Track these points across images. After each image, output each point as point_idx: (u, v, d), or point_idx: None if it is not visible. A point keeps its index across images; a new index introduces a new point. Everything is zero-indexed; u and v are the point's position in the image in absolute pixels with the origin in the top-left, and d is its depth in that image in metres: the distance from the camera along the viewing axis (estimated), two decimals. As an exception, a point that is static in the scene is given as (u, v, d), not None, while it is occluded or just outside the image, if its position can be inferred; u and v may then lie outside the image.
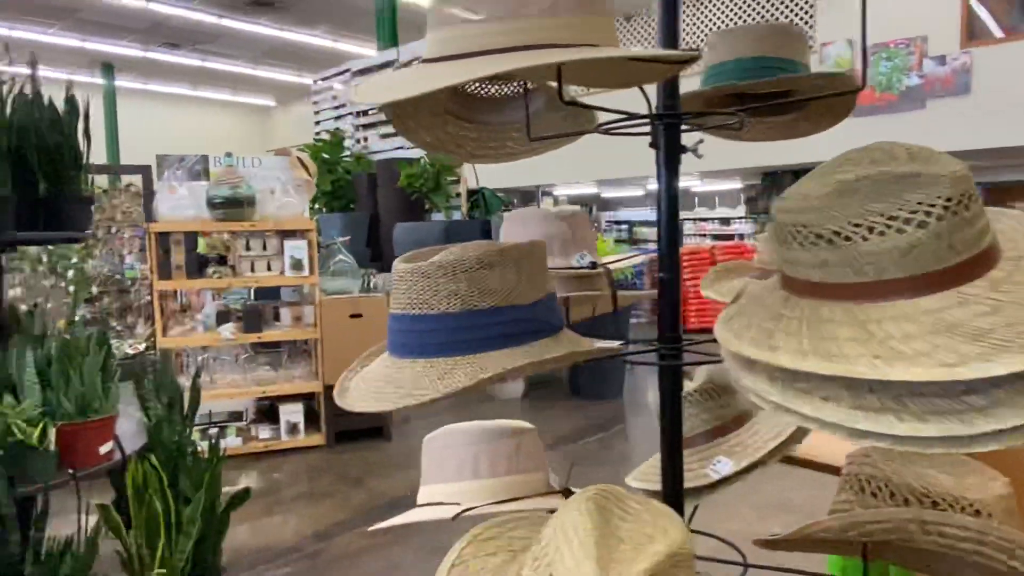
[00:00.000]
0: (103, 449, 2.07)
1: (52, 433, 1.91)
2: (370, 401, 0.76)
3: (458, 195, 7.47)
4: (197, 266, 4.10)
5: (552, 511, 0.99)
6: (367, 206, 7.89)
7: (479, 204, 7.80)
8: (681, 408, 0.91)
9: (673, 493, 0.89)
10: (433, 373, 0.73)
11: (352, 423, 4.36)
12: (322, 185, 7.66)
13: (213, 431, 3.96)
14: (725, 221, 13.77)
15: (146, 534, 2.08)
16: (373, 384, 0.78)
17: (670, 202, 0.91)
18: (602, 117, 1.02)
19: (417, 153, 7.80)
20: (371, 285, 4.60)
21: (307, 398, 4.42)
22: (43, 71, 2.01)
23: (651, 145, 0.91)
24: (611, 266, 1.10)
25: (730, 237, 12.58)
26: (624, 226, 13.06)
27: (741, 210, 13.43)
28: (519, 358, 0.73)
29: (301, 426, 4.30)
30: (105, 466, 2.06)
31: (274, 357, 4.52)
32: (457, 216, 7.51)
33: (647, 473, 1.16)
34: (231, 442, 4.11)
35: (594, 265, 1.08)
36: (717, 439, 1.06)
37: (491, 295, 0.75)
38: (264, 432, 4.28)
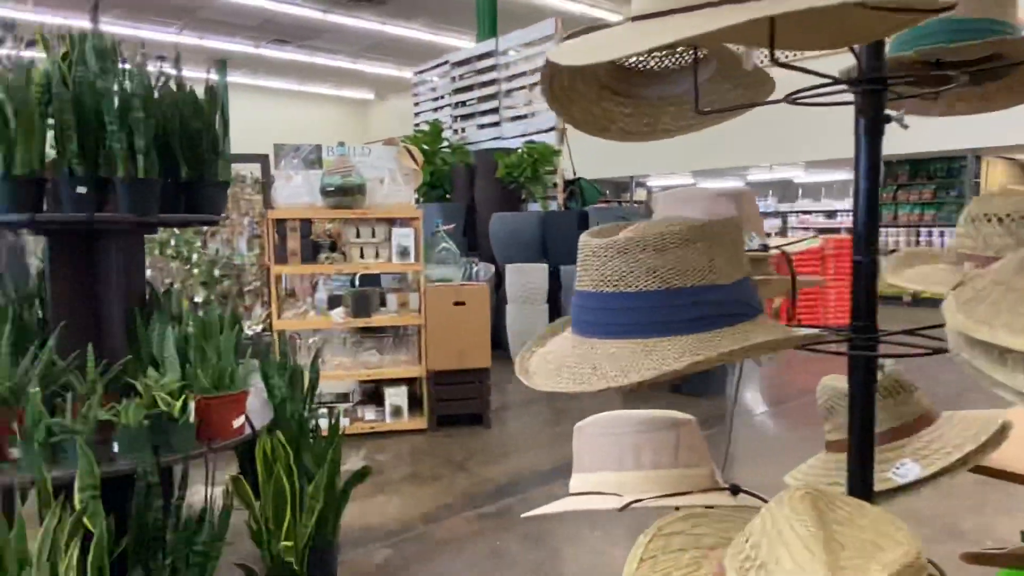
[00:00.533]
0: (236, 423, 2.16)
1: (192, 406, 2.01)
2: (567, 382, 0.72)
3: (555, 185, 7.42)
4: (311, 252, 4.24)
5: (710, 507, 0.93)
6: (464, 196, 7.97)
7: (576, 195, 7.72)
8: (874, 404, 0.83)
9: (863, 498, 0.81)
10: (634, 354, 0.69)
11: (453, 409, 4.41)
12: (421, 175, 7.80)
13: (325, 411, 4.12)
14: (831, 214, 13.08)
15: (273, 508, 2.15)
16: (563, 364, 0.74)
17: (871, 177, 0.83)
18: (785, 86, 0.94)
19: (515, 143, 7.80)
20: (473, 273, 4.63)
21: (409, 382, 4.51)
22: (168, 68, 2.11)
23: (858, 113, 0.83)
24: (788, 248, 1.02)
25: (836, 231, 11.93)
26: (723, 218, 12.58)
27: (848, 203, 12.70)
28: (726, 342, 0.67)
29: (404, 409, 4.39)
30: (237, 440, 2.15)
31: (379, 342, 4.63)
32: (553, 207, 7.46)
33: (809, 474, 1.08)
34: (339, 423, 4.24)
35: (765, 248, 1.01)
36: (898, 440, 0.97)
37: (692, 273, 0.70)
38: (369, 414, 4.40)
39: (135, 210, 1.96)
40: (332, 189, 4.15)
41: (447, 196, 8.18)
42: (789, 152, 11.02)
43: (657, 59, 1.09)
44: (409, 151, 4.48)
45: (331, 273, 4.44)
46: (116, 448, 1.90)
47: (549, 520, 3.05)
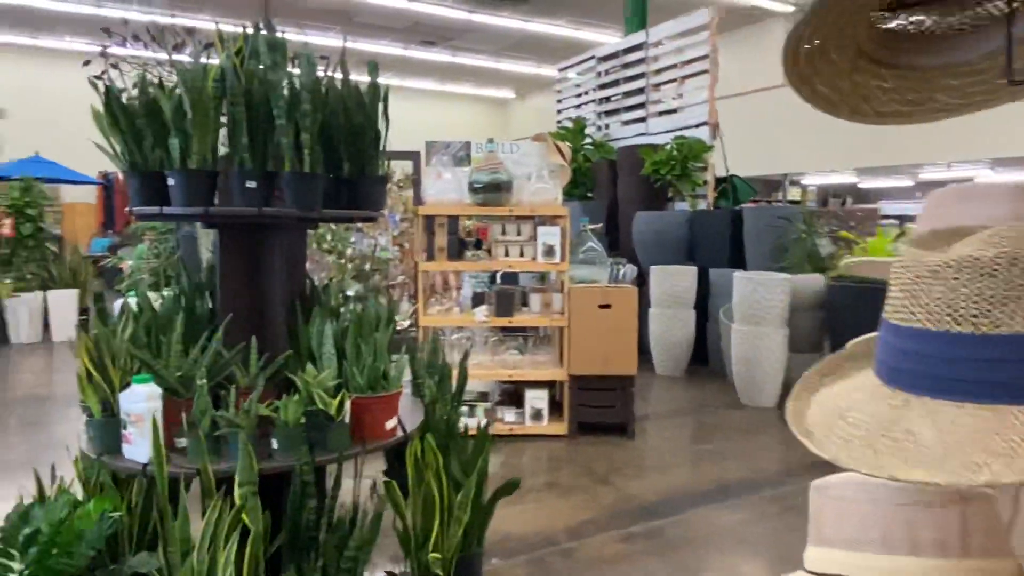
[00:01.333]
0: (389, 424, 2.10)
1: (348, 405, 1.97)
2: (901, 464, 0.50)
3: (704, 183, 7.02)
4: (457, 249, 4.22)
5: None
6: (605, 194, 7.75)
7: (726, 193, 7.27)
8: None
9: None
10: (1013, 428, 0.47)
11: (594, 416, 4.23)
12: (563, 172, 7.66)
13: (476, 411, 4.07)
14: None
15: (422, 516, 2.07)
16: (881, 434, 0.53)
17: None
18: None
19: (662, 139, 7.47)
20: (619, 275, 4.42)
21: (550, 385, 4.37)
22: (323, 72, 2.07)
23: None
24: None
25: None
26: (892, 221, 11.51)
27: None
28: None
29: (545, 413, 4.27)
30: (390, 442, 2.09)
31: (519, 342, 4.53)
32: (702, 206, 7.06)
33: None
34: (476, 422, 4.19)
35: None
36: None
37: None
38: (509, 415, 4.31)
39: (300, 204, 1.94)
40: (480, 186, 4.10)
41: (588, 194, 8.00)
42: (973, 147, 9.82)
43: (937, 18, 0.85)
44: (558, 147, 4.33)
45: (476, 271, 4.39)
46: (275, 444, 1.89)
47: (706, 548, 2.80)
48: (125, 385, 1.95)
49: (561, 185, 4.33)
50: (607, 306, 4.12)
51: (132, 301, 3.78)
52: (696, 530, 2.97)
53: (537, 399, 4.24)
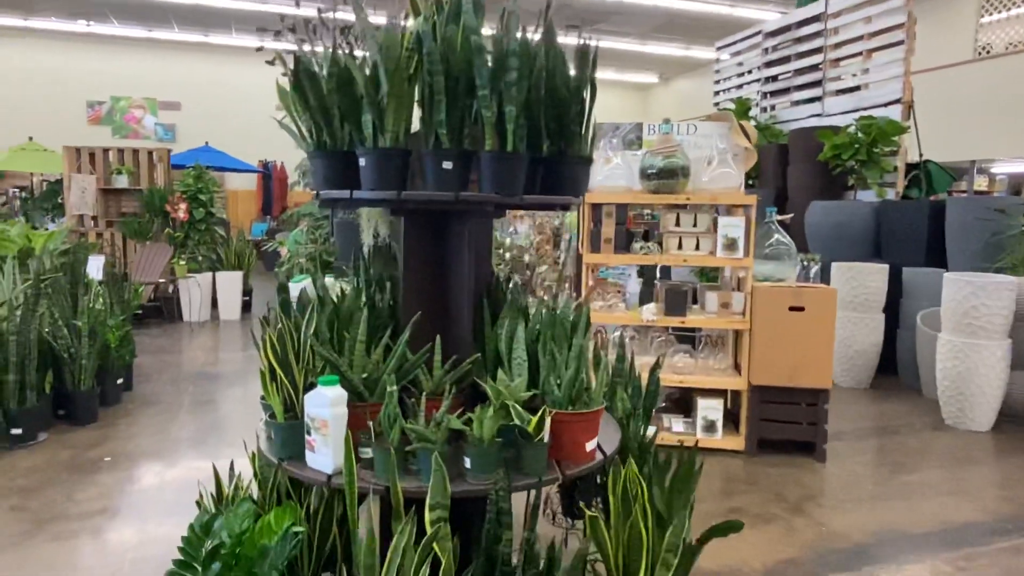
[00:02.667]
0: (589, 445, 1.81)
1: (548, 422, 1.69)
2: None
3: (894, 169, 6.21)
4: (625, 240, 3.88)
5: None
6: (773, 182, 7.08)
7: (918, 181, 6.40)
8: None
9: None
10: None
11: (777, 432, 3.75)
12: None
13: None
14: None
15: (624, 557, 1.76)
16: None
17: None
18: None
19: (842, 120, 6.70)
20: (811, 273, 3.89)
21: (722, 394, 3.94)
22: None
23: None
24: None
25: None
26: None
27: None
28: None
29: (719, 425, 3.84)
30: (589, 467, 1.80)
31: (689, 344, 4.12)
32: (890, 195, 6.25)
33: None
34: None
35: None
36: None
37: None
38: (677, 425, 3.93)
39: (500, 189, 1.68)
40: (654, 171, 3.72)
41: (751, 182, 7.36)
42: None
43: None
44: (742, 127, 3.86)
45: (644, 265, 4.02)
46: (467, 464, 1.65)
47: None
48: (309, 386, 1.78)
49: (745, 170, 3.86)
50: (799, 308, 3.62)
51: (299, 287, 3.65)
52: (928, 585, 2.47)
53: (711, 409, 3.82)
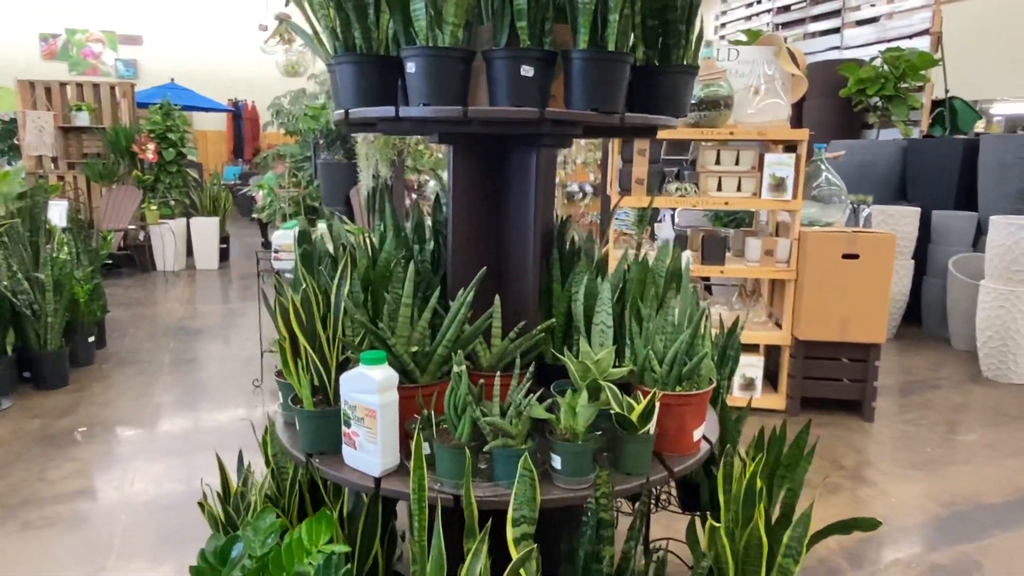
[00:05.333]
0: (697, 434, 1.46)
1: (656, 409, 1.32)
2: None
3: (920, 106, 5.83)
4: (658, 181, 3.48)
5: None
6: (791, 117, 6.67)
7: (942, 119, 6.04)
8: None
9: None
10: None
11: (822, 390, 3.46)
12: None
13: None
14: None
15: (743, 564, 1.43)
16: None
17: None
18: None
19: (867, 52, 6.28)
20: (862, 218, 3.54)
21: (758, 349, 3.63)
22: None
23: None
24: None
25: None
26: None
27: None
28: None
29: (759, 383, 3.54)
30: (695, 460, 1.45)
31: (726, 295, 3.79)
32: (915, 134, 5.89)
33: None
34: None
35: None
36: None
37: None
38: (711, 382, 3.62)
39: (597, 103, 1.27)
40: (694, 102, 3.30)
41: (763, 121, 6.93)
42: None
43: None
44: (790, 52, 3.44)
45: (679, 207, 3.64)
46: (557, 464, 1.28)
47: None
48: (343, 362, 1.39)
49: (794, 100, 3.46)
50: (853, 256, 3.28)
51: (289, 234, 3.19)
52: (1021, 566, 2.21)
53: (750, 366, 3.51)
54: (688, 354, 1.42)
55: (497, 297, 1.50)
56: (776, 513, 1.67)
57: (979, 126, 12.57)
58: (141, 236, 7.22)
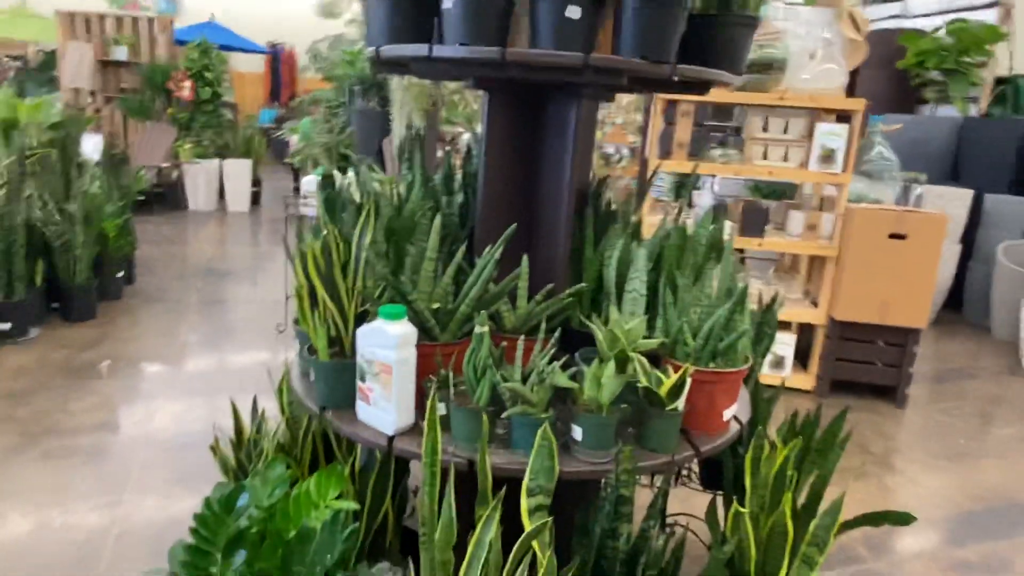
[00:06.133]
0: (727, 413, 1.39)
1: (687, 385, 1.25)
2: None
3: (980, 83, 5.53)
4: (702, 146, 3.34)
5: None
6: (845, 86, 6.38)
7: (1004, 99, 5.73)
8: None
9: None
10: None
11: (854, 373, 3.35)
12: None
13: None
14: None
15: (766, 551, 1.37)
16: None
17: None
18: None
19: (930, 23, 5.95)
20: (914, 196, 3.38)
21: (791, 327, 3.51)
22: None
23: None
24: None
25: None
26: None
27: None
28: None
29: (788, 361, 3.44)
30: (724, 440, 1.38)
31: (761, 269, 3.67)
32: (973, 112, 5.60)
33: None
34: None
35: None
36: None
37: None
38: (739, 357, 3.52)
39: (648, 50, 1.17)
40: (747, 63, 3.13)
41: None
42: None
43: None
44: (852, 16, 3.24)
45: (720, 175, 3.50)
46: (578, 435, 1.22)
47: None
48: (361, 315, 1.33)
49: (853, 67, 3.27)
50: (900, 236, 3.13)
51: (313, 179, 3.07)
52: (1059, 570, 2.12)
53: (782, 344, 3.40)
54: (725, 329, 1.33)
55: (525, 257, 1.43)
56: (803, 499, 1.60)
57: None
58: (174, 175, 7.24)
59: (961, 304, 5.01)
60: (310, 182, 3.66)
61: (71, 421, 2.61)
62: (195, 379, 3.10)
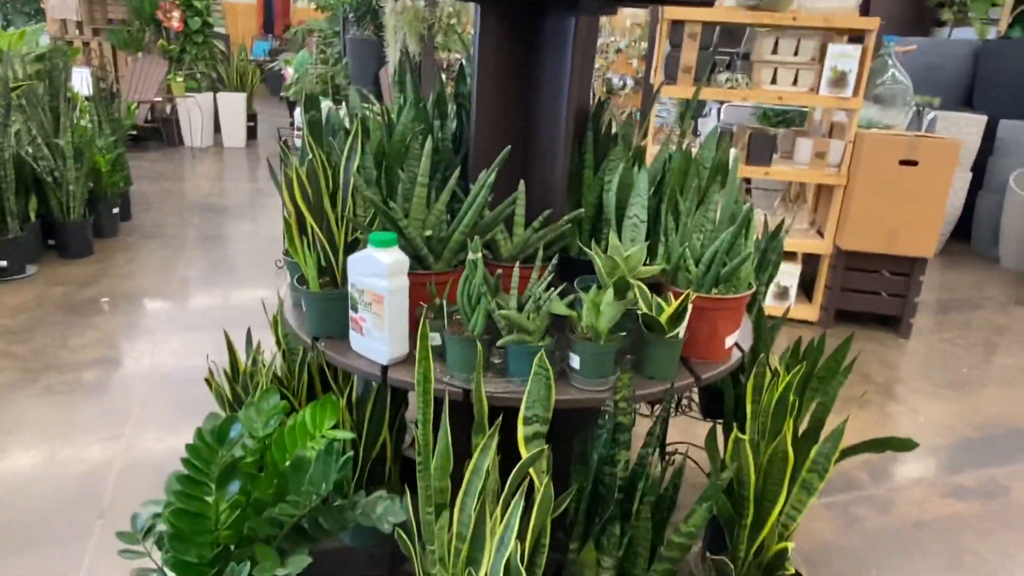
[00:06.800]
0: (729, 340, 1.35)
1: (688, 312, 1.22)
2: None
3: (1002, 3, 5.29)
4: (709, 71, 3.21)
5: None
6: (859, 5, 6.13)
7: (1023, 20, 5.49)
8: None
9: None
10: None
11: (858, 303, 3.32)
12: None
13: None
14: None
15: (764, 482, 1.36)
16: None
17: None
18: None
19: (951, -62, 5.65)
20: (926, 122, 3.26)
21: (796, 257, 3.47)
22: None
23: None
24: None
25: None
26: None
27: None
28: None
29: (792, 292, 3.40)
30: (726, 368, 1.35)
31: (767, 199, 3.59)
32: (992, 35, 5.38)
33: None
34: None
35: None
36: None
37: None
38: (742, 289, 3.49)
39: (651, -45, 1.08)
40: (755, -19, 2.98)
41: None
42: None
43: None
44: (870, -71, 3.06)
45: (728, 100, 3.39)
46: (575, 363, 1.19)
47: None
48: (352, 243, 1.29)
49: (869, -14, 3.11)
50: (912, 163, 3.04)
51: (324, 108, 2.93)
52: (1056, 495, 2.14)
53: (786, 274, 3.36)
54: (728, 254, 1.29)
55: (522, 181, 1.37)
56: (804, 426, 1.59)
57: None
58: (168, 109, 7.08)
59: (970, 234, 4.94)
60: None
61: (71, 357, 2.61)
62: (194, 315, 3.08)
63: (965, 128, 4.53)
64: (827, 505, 2.03)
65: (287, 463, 1.19)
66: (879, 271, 3.25)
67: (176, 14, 6.91)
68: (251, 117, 7.53)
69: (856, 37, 3.12)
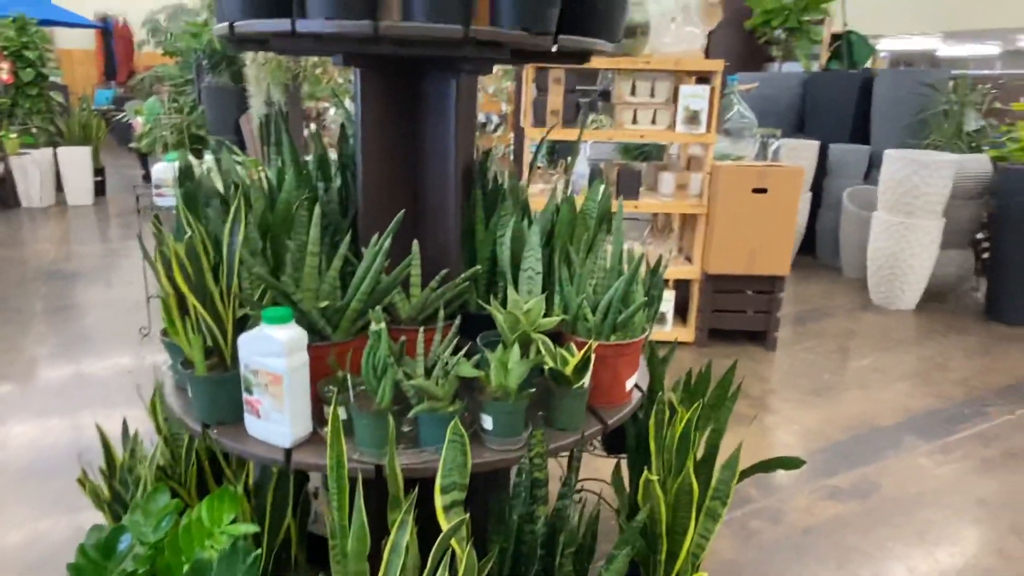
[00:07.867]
0: (629, 383, 1.40)
1: (592, 362, 1.25)
2: None
3: (820, 40, 5.94)
4: (574, 112, 3.35)
5: None
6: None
7: (839, 54, 6.19)
8: None
9: None
10: None
11: (729, 322, 3.55)
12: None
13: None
14: None
15: (674, 511, 1.41)
16: None
17: None
18: None
19: (771, -16, 6.27)
20: (772, 151, 3.58)
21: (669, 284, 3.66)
22: None
23: None
24: None
25: None
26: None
27: None
28: None
29: (670, 317, 3.59)
30: (627, 410, 1.39)
31: (637, 229, 3.78)
32: (816, 68, 6.01)
33: None
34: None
35: None
36: None
37: None
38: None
39: (529, 22, 1.12)
40: (610, 29, 3.16)
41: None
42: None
43: None
44: (706, -20, 3.35)
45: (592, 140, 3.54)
46: (488, 424, 1.19)
47: (942, 511, 2.19)
48: (241, 321, 1.22)
49: (710, 29, 3.39)
50: (762, 191, 3.31)
51: (170, 167, 2.86)
52: (913, 484, 2.36)
53: (663, 301, 3.53)
54: (623, 302, 1.34)
55: (415, 242, 1.36)
56: (700, 451, 1.66)
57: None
58: (1, 168, 6.44)
59: (815, 248, 5.44)
60: (162, 169, 3.35)
61: (-101, 463, 2.27)
62: (50, 396, 2.79)
63: (803, 153, 5.00)
64: (725, 523, 2.13)
65: (186, 568, 1.09)
66: (743, 291, 3.50)
67: (5, 66, 6.34)
68: (99, 171, 7.00)
69: (702, 77, 3.37)
